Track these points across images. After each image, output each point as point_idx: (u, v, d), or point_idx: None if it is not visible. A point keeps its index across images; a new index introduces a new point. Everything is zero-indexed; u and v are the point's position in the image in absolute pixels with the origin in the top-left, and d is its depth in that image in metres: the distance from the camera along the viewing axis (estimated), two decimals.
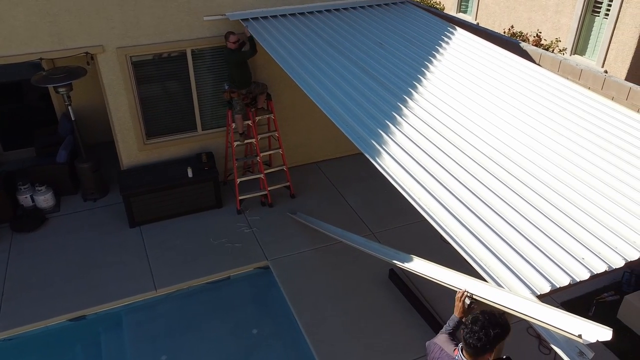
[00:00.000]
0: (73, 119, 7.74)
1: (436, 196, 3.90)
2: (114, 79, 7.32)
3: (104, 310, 6.33)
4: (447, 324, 3.35)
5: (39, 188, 7.75)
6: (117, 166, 8.17)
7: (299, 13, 7.71)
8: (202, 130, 8.26)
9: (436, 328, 5.98)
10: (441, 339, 3.23)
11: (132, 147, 7.87)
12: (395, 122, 4.91)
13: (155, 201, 7.62)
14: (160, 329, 6.18)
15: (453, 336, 3.24)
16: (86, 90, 8.97)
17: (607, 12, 10.14)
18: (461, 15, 13.82)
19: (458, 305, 3.25)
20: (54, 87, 7.34)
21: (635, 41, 9.74)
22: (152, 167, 7.96)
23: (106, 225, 7.66)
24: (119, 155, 7.94)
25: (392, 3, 8.44)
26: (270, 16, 7.53)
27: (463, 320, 3.16)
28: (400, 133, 4.73)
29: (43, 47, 6.76)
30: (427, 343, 3.37)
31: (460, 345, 3.05)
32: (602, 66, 10.43)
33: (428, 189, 3.98)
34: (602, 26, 10.37)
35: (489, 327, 2.83)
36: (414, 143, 4.56)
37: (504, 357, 3.16)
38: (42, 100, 9.16)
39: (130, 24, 7.06)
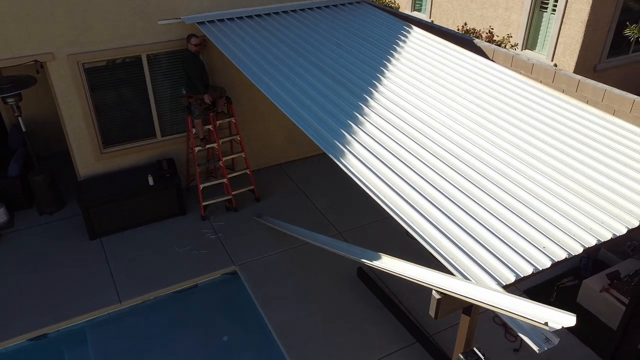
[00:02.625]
0: (24, 130, 7.43)
1: (401, 193, 3.94)
2: (66, 87, 7.07)
3: (66, 327, 6.10)
4: None
5: None
6: (73, 177, 7.90)
7: (256, 15, 7.66)
8: (162, 136, 8.09)
9: (406, 324, 6.06)
10: None
11: (88, 157, 7.62)
12: (357, 122, 4.93)
13: (116, 211, 7.41)
14: (127, 342, 6.01)
15: None
16: (37, 99, 8.64)
17: (554, 8, 10.51)
18: (416, 14, 14.04)
19: None
20: (1, 97, 7.02)
21: (582, 35, 10.13)
22: (111, 176, 7.73)
23: (65, 239, 7.39)
24: (75, 166, 7.67)
25: (348, 3, 8.49)
26: (227, 19, 7.44)
27: None
28: (362, 132, 4.75)
29: None
30: None
31: None
32: (552, 60, 10.80)
33: (392, 186, 4.02)
34: (550, 21, 10.74)
35: None
36: (377, 141, 4.60)
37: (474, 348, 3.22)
38: None
39: (81, 29, 6.83)
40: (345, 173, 4.26)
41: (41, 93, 8.37)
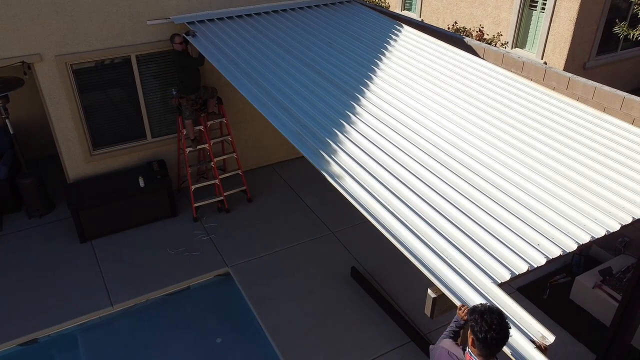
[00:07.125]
0: (12, 132, 7.33)
1: (394, 191, 3.92)
2: (55, 89, 6.98)
3: (58, 331, 6.02)
4: (450, 325, 3.20)
5: None
6: (62, 180, 7.81)
7: (246, 14, 7.61)
8: (152, 137, 8.02)
9: (400, 323, 6.05)
10: (448, 344, 3.08)
11: (78, 159, 7.53)
12: (349, 121, 4.91)
13: (106, 214, 7.33)
14: (120, 346, 5.94)
15: (456, 339, 3.16)
16: (25, 101, 8.53)
17: (544, 6, 10.56)
18: (406, 13, 14.05)
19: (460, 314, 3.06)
20: None
21: (571, 33, 10.19)
22: (101, 178, 7.64)
23: (55, 242, 7.30)
24: (65, 168, 7.58)
25: (339, 2, 8.47)
26: (217, 18, 7.39)
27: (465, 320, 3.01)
28: (354, 131, 4.73)
29: None
30: (431, 347, 3.24)
31: (467, 349, 2.87)
32: (542, 58, 10.86)
33: (385, 184, 4.00)
34: (539, 20, 10.79)
35: (501, 319, 2.69)
36: (369, 140, 4.58)
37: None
38: None
39: (69, 30, 6.75)
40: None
41: (29, 95, 8.26)
